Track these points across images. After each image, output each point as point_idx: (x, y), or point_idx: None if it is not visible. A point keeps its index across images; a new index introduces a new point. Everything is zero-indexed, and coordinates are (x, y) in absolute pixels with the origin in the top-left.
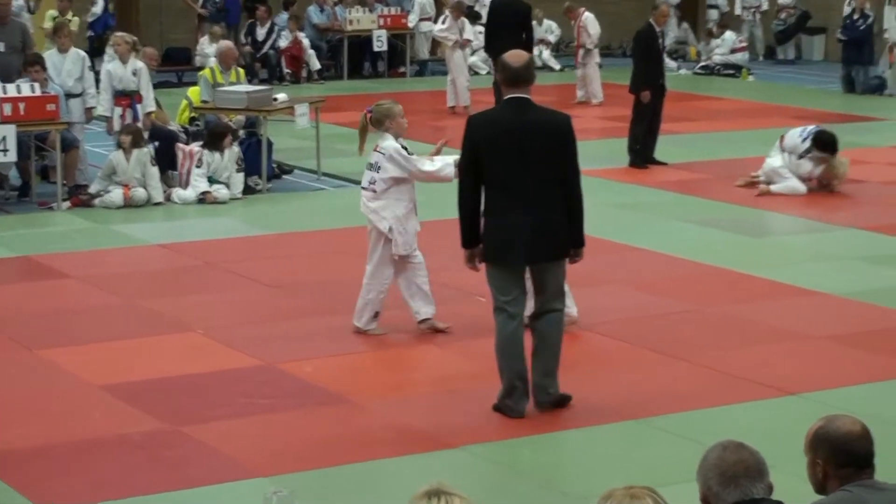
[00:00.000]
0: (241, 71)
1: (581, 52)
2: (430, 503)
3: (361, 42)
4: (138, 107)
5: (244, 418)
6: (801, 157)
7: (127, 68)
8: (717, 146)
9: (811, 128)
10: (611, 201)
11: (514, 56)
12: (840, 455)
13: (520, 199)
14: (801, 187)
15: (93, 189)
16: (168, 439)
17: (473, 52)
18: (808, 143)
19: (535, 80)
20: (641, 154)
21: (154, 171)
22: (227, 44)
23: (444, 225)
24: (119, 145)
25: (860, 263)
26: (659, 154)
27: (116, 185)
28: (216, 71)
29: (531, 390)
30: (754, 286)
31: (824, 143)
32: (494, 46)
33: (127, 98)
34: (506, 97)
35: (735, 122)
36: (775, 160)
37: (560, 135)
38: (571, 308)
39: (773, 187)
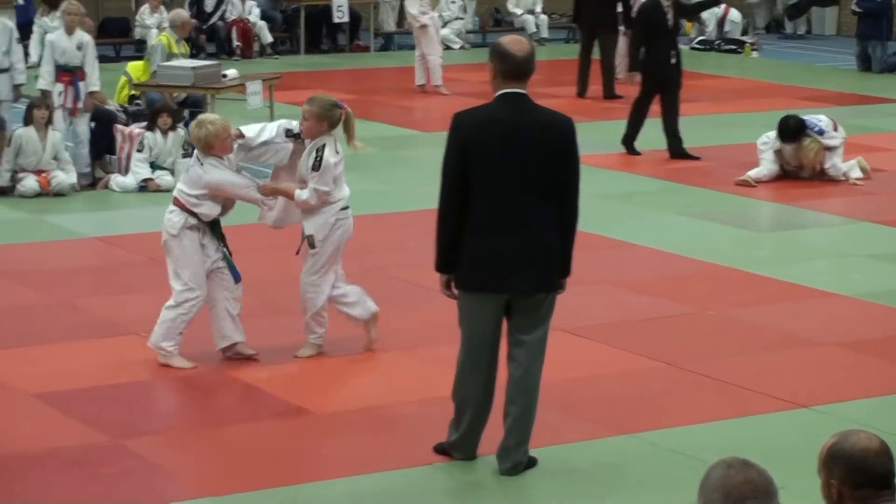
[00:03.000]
0: (186, 45)
1: None
2: None
3: (320, 12)
4: (80, 84)
5: (193, 431)
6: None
7: (72, 41)
8: (717, 130)
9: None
10: (598, 192)
11: (516, 43)
12: (856, 474)
13: (511, 217)
14: (774, 170)
15: (3, 176)
16: (106, 454)
17: (445, 24)
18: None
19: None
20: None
21: (66, 156)
22: (183, 12)
23: (407, 217)
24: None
25: (875, 261)
26: (653, 140)
27: (26, 171)
28: (172, 41)
29: (496, 453)
30: (759, 286)
31: (781, 131)
32: (586, 18)
33: (69, 74)
34: (500, 92)
35: (736, 104)
36: (768, 134)
37: (562, 141)
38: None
39: (750, 174)
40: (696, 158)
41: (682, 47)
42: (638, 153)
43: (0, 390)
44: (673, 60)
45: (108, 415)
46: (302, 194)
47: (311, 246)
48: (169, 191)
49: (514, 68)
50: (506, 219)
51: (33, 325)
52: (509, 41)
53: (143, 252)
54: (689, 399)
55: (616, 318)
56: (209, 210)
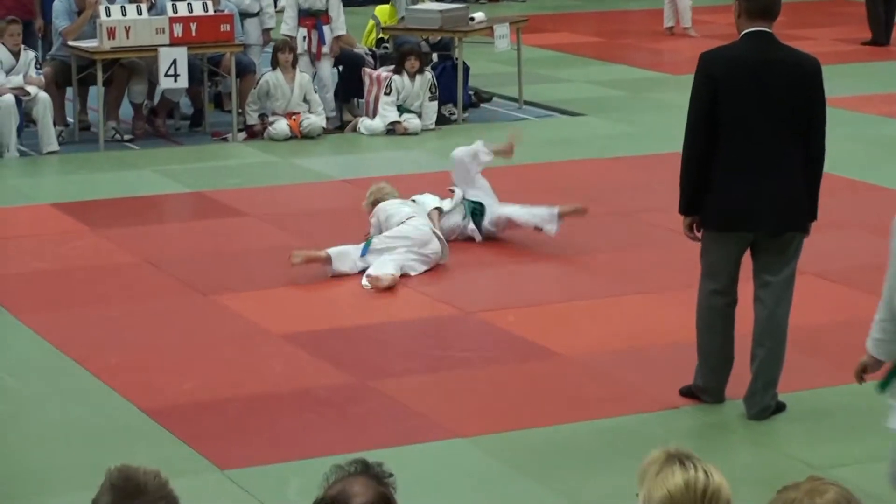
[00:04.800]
0: None
1: None
2: (680, 469)
3: None
4: (325, 28)
5: (440, 373)
6: None
7: None
8: None
9: None
10: (852, 135)
11: None
12: None
13: (759, 158)
14: None
15: (251, 116)
16: (355, 394)
17: None
18: None
19: None
20: None
21: (316, 98)
22: None
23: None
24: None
25: None
26: None
27: (277, 114)
28: None
29: (744, 397)
30: None
31: None
32: None
33: (312, 18)
34: (746, 31)
35: None
36: None
37: (810, 80)
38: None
39: None
40: None
41: None
42: None
43: (249, 331)
44: None
45: (354, 355)
46: None
47: None
48: (416, 134)
49: (759, 6)
50: (754, 158)
51: (282, 266)
52: None
53: None
54: None
55: (867, 262)
56: None
